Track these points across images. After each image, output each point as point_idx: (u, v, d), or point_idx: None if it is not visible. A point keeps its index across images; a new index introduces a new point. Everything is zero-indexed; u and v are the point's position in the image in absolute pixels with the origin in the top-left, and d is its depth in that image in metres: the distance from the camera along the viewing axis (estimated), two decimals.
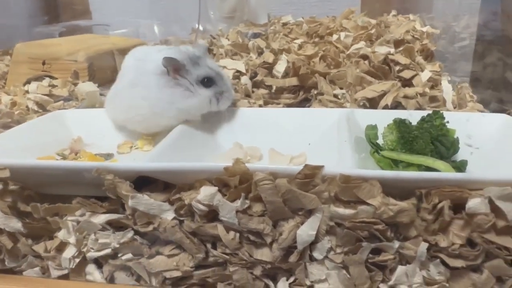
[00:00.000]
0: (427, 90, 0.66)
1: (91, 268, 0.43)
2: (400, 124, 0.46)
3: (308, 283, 0.39)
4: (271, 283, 0.40)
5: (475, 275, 0.37)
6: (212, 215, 0.39)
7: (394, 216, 0.36)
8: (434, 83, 0.70)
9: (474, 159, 0.47)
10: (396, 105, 0.66)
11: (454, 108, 0.62)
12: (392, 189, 0.38)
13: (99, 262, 0.43)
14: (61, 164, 0.42)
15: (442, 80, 0.66)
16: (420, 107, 0.64)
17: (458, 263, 0.36)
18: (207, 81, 0.56)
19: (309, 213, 0.37)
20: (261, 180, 0.36)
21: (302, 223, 0.37)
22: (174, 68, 0.54)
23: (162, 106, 0.54)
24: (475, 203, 0.35)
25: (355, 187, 0.36)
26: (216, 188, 0.38)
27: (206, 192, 0.38)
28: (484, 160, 0.47)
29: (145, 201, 0.39)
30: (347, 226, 0.36)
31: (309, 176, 0.36)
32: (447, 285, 0.37)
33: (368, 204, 0.36)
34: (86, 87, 0.66)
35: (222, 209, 0.38)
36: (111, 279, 0.43)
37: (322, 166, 0.36)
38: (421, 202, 0.36)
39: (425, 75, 0.69)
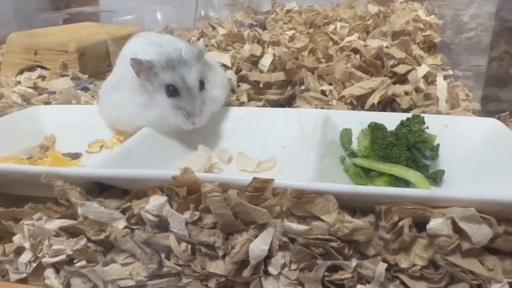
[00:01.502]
0: (422, 86, 0.62)
1: (49, 272, 0.42)
2: (374, 129, 0.43)
3: None
4: None
5: None
6: (164, 224, 0.37)
7: (350, 234, 0.33)
8: (433, 79, 0.65)
9: (455, 168, 0.43)
10: (391, 102, 0.63)
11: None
12: (353, 203, 0.35)
13: (57, 267, 0.42)
14: (13, 168, 0.41)
15: (438, 76, 0.62)
16: (414, 105, 0.60)
17: (420, 285, 0.33)
18: (172, 89, 0.49)
19: (262, 226, 0.35)
20: (210, 192, 0.34)
21: (255, 237, 0.35)
22: (143, 70, 0.49)
23: (133, 113, 0.51)
24: (436, 224, 0.32)
25: (308, 202, 0.33)
26: (166, 198, 0.36)
27: (155, 202, 0.36)
28: (466, 170, 0.43)
29: (94, 209, 0.38)
30: (301, 242, 0.34)
31: (259, 190, 0.34)
32: None
33: (322, 220, 0.34)
34: (61, 83, 0.64)
35: (171, 220, 0.36)
36: (67, 285, 0.42)
37: (272, 180, 0.34)
38: (380, 219, 0.34)
39: (422, 69, 0.64)
